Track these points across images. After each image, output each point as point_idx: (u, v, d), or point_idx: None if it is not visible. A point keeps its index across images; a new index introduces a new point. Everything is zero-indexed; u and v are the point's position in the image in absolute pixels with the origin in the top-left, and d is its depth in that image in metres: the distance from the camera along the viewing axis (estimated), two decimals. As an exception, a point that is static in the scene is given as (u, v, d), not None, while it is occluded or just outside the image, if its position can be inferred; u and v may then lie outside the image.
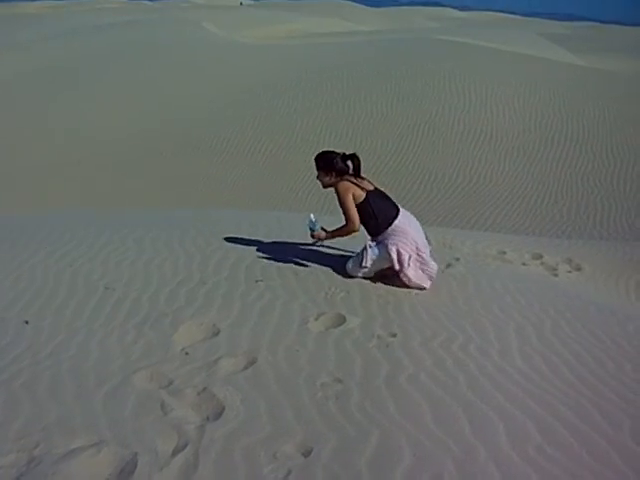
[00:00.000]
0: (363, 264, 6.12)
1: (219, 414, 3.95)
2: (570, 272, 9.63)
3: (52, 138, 29.10)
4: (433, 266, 6.22)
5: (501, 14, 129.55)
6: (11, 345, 4.75)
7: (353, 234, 6.16)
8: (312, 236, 6.43)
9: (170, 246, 6.96)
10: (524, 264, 9.33)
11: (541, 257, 9.88)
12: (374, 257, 6.09)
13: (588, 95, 26.60)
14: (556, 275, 9.18)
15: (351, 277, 6.24)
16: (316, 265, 6.50)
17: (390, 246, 6.02)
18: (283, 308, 5.48)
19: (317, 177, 6.38)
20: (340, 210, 6.14)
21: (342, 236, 6.24)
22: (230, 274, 6.14)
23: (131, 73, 36.55)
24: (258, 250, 6.88)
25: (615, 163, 22.06)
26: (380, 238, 6.12)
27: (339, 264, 6.59)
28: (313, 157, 6.42)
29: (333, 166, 6.22)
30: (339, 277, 6.25)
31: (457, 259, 7.56)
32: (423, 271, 6.15)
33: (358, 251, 6.28)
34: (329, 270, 6.41)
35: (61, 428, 3.77)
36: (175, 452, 3.61)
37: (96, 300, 5.56)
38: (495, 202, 20.17)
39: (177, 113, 30.21)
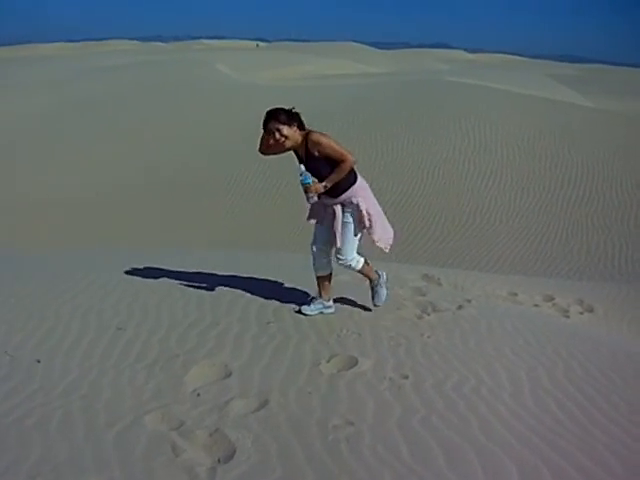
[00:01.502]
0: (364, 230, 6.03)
1: (230, 456, 3.94)
2: (582, 313, 9.60)
3: (67, 175, 29.34)
4: (390, 227, 6.28)
5: (510, 56, 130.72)
6: (22, 384, 4.76)
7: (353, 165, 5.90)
8: (306, 190, 5.80)
9: (181, 287, 6.98)
10: (535, 305, 9.31)
11: (552, 298, 9.86)
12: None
13: (598, 136, 26.68)
14: (568, 316, 9.16)
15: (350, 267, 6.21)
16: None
17: (360, 204, 5.92)
18: (295, 350, 5.47)
19: (278, 137, 5.76)
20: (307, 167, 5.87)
21: (341, 176, 5.79)
22: (242, 315, 6.14)
23: (144, 113, 36.93)
24: (270, 291, 6.88)
25: (626, 204, 22.04)
26: (348, 195, 5.92)
27: (350, 306, 6.60)
28: (263, 119, 5.83)
29: (294, 118, 5.80)
30: (351, 319, 6.25)
31: (468, 301, 7.53)
32: (385, 228, 6.17)
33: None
34: (341, 312, 6.41)
35: (72, 468, 3.77)
36: (186, 494, 3.59)
37: (107, 340, 5.58)
38: (505, 243, 20.15)
39: (188, 152, 30.47)
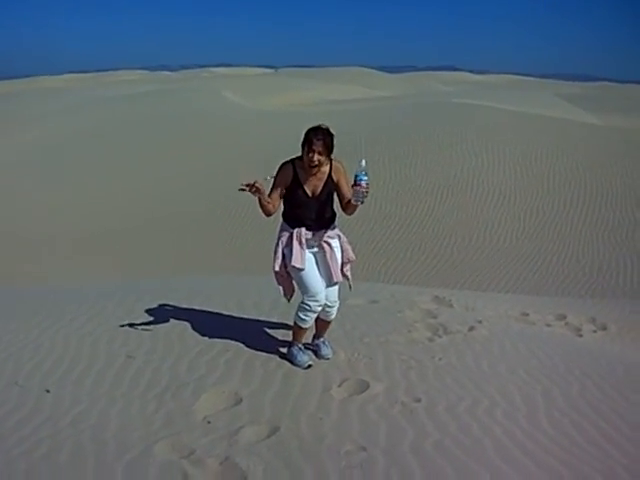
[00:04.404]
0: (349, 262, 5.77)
1: (241, 484, 3.88)
2: (595, 332, 9.49)
3: (76, 207, 29.47)
4: None
5: (517, 76, 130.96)
6: (31, 415, 4.73)
7: None
8: (365, 191, 5.19)
9: (191, 315, 6.94)
10: (548, 325, 9.21)
11: (565, 317, 9.76)
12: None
13: (606, 153, 26.64)
14: (581, 335, 9.05)
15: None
16: (339, 331, 6.45)
17: (343, 236, 5.71)
18: (305, 375, 5.42)
19: (315, 159, 5.29)
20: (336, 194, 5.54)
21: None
22: (251, 342, 6.09)
23: (151, 141, 37.15)
24: (279, 317, 6.85)
25: (636, 221, 21.95)
26: (335, 226, 5.66)
27: (361, 330, 6.55)
28: (325, 134, 5.29)
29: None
30: (362, 343, 6.19)
31: (480, 322, 7.47)
32: None
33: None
34: (352, 336, 6.36)
35: (81, 501, 3.72)
36: (197, 525, 3.54)
37: (117, 369, 5.55)
38: (516, 263, 20.07)
39: (196, 180, 30.58)
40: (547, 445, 4.52)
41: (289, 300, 5.87)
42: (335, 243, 5.65)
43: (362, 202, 5.27)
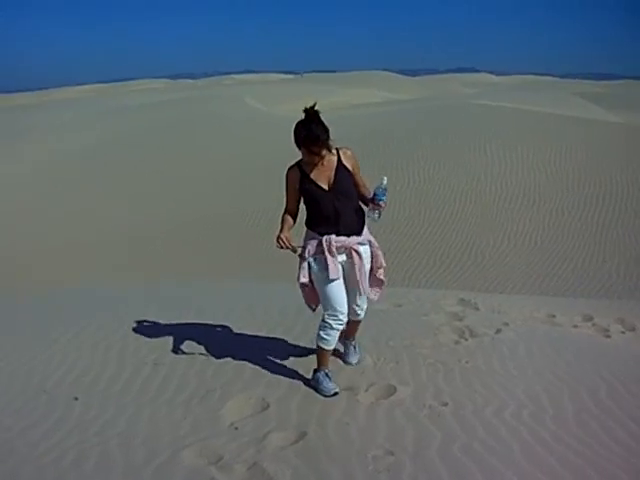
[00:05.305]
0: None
1: (269, 490, 3.89)
2: (623, 332, 9.39)
3: (98, 213, 29.67)
4: None
5: (537, 77, 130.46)
6: (60, 422, 4.78)
7: None
8: (379, 205, 5.10)
9: (217, 321, 6.97)
10: (575, 326, 9.13)
11: (592, 318, 9.66)
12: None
13: (627, 152, 26.36)
14: (609, 336, 8.96)
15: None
16: (364, 336, 6.44)
17: (373, 240, 5.39)
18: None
19: (316, 160, 5.07)
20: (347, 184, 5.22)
21: None
22: (277, 348, 6.11)
23: (171, 150, 37.35)
24: (305, 323, 6.85)
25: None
26: (366, 230, 5.34)
27: (387, 334, 6.54)
28: (320, 133, 4.95)
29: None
30: (388, 347, 6.18)
31: (506, 324, 7.43)
32: None
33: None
34: (377, 340, 6.35)
35: (111, 508, 3.74)
36: (226, 530, 3.55)
37: (145, 376, 5.59)
38: (542, 265, 19.91)
39: (218, 186, 30.70)
40: (575, 447, 4.48)
41: (314, 310, 5.58)
42: (365, 250, 5.32)
43: (377, 219, 5.16)
